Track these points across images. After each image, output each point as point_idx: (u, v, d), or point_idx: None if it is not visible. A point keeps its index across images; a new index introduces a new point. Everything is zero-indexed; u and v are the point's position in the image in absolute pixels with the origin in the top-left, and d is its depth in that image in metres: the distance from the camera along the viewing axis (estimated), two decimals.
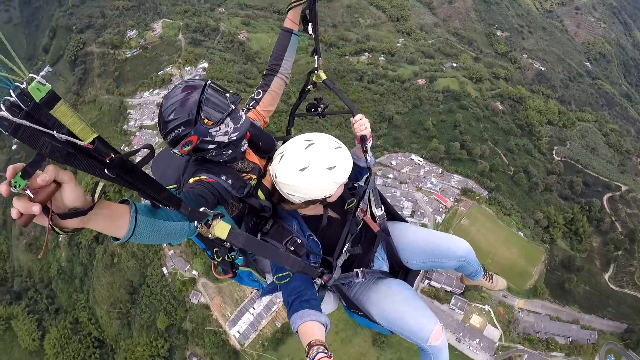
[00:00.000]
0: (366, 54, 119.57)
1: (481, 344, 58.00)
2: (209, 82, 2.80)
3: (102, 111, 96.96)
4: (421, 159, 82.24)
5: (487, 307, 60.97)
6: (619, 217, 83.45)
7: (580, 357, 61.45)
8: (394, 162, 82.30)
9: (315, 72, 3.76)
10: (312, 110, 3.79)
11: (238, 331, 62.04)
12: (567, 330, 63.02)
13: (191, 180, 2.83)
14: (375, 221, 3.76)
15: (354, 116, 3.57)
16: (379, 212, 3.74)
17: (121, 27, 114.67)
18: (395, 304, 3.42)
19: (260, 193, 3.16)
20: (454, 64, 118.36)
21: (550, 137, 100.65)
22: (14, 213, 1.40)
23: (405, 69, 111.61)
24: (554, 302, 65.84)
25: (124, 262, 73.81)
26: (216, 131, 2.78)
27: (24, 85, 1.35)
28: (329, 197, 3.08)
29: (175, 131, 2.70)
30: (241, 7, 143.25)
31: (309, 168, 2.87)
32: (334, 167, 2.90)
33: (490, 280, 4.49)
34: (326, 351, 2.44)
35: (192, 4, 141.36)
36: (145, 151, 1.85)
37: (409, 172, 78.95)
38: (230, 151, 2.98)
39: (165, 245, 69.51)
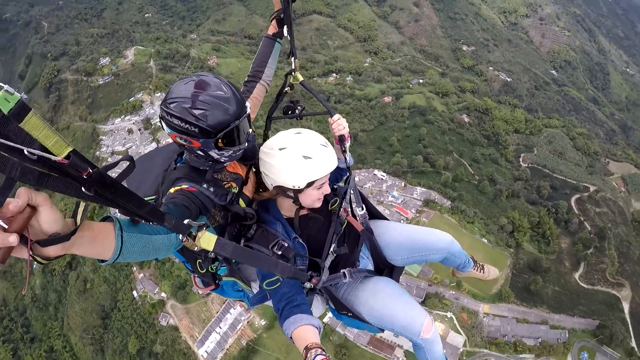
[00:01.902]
0: (334, 74, 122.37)
1: (444, 351, 57.61)
2: (249, 111, 2.80)
3: (75, 138, 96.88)
4: (384, 174, 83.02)
5: (449, 314, 61.02)
6: (588, 216, 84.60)
7: (552, 356, 61.56)
8: (357, 179, 79.73)
9: (293, 73, 3.71)
10: (289, 112, 3.73)
11: (206, 351, 61.86)
12: (536, 332, 63.13)
13: (172, 190, 2.69)
14: (357, 220, 3.81)
15: (331, 116, 3.60)
16: (360, 211, 3.79)
17: (95, 54, 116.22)
18: (384, 301, 3.45)
19: (241, 202, 3.08)
20: (421, 80, 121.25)
21: (517, 144, 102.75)
22: None
23: (372, 88, 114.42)
24: (521, 305, 66.07)
25: (97, 287, 73.69)
26: (216, 151, 2.76)
27: None
28: (299, 191, 3.03)
29: (188, 126, 2.60)
30: (212, 33, 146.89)
31: (287, 149, 2.92)
32: (310, 158, 2.90)
33: (482, 271, 4.52)
34: (324, 353, 2.44)
35: (165, 31, 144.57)
36: (125, 164, 1.76)
37: (371, 188, 79.70)
38: (210, 162, 2.91)
39: (135, 268, 70.30)
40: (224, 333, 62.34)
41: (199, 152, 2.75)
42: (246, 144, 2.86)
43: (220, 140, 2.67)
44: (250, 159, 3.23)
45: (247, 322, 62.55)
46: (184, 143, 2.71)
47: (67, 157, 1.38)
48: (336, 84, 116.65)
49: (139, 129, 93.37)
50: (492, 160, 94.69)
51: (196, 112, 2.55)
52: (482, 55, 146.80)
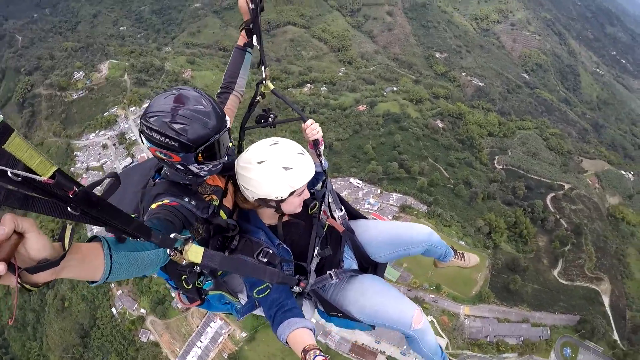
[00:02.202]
0: (309, 85, 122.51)
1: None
2: (229, 125, 2.80)
3: (49, 154, 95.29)
4: (360, 182, 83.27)
5: (429, 318, 61.08)
6: (564, 214, 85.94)
7: (535, 354, 62.20)
8: (333, 186, 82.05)
9: (264, 82, 3.71)
10: (262, 121, 3.71)
11: None
12: (518, 330, 63.87)
13: (154, 206, 2.66)
14: (337, 222, 3.85)
15: (304, 122, 3.61)
16: (340, 212, 3.86)
17: (69, 68, 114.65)
18: (373, 298, 3.49)
19: (222, 214, 3.05)
20: (395, 88, 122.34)
21: (491, 147, 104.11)
22: None
23: (346, 97, 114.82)
24: (502, 305, 66.71)
25: (75, 305, 72.61)
26: (195, 165, 2.74)
27: None
28: (282, 201, 3.05)
29: (168, 140, 2.58)
30: (187, 46, 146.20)
31: (266, 162, 2.90)
32: (290, 168, 2.90)
33: (462, 259, 4.63)
34: (322, 354, 2.44)
35: (140, 44, 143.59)
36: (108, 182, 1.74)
37: (348, 196, 79.86)
38: (190, 177, 2.88)
39: (113, 285, 69.32)
40: (205, 347, 61.87)
41: (178, 166, 2.73)
42: (226, 158, 2.85)
43: (200, 155, 2.66)
44: (228, 170, 3.19)
45: (228, 335, 62.11)
46: (163, 157, 2.69)
47: (52, 176, 1.35)
48: (311, 94, 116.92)
49: (114, 144, 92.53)
50: (467, 164, 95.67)
51: (176, 126, 2.54)
52: (454, 61, 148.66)
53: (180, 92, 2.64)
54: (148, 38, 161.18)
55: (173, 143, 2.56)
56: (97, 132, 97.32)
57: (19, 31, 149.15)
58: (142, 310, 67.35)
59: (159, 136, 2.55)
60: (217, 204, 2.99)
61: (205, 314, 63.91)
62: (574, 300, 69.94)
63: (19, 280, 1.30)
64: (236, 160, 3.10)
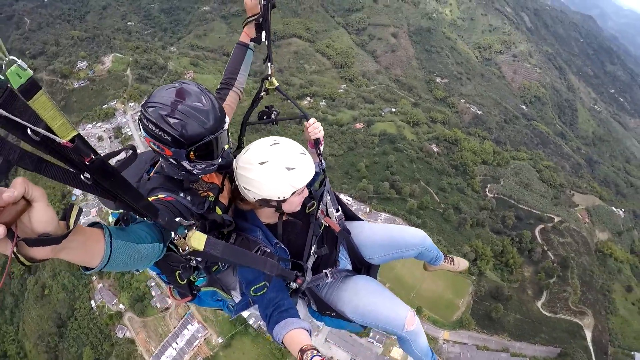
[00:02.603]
0: (308, 98, 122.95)
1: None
2: (226, 127, 2.76)
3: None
4: (350, 199, 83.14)
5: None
6: (551, 246, 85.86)
7: None
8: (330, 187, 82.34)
9: (269, 79, 3.68)
10: (265, 117, 3.70)
11: None
12: (496, 359, 63.35)
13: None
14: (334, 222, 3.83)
15: (307, 120, 3.62)
16: (336, 213, 3.82)
17: (73, 57, 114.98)
18: (367, 299, 3.52)
19: (218, 210, 3.02)
20: (393, 109, 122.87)
21: (484, 175, 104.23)
22: None
23: (344, 114, 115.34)
24: (482, 332, 66.50)
25: (55, 294, 72.00)
26: (188, 162, 2.72)
27: None
28: (284, 201, 3.02)
29: (161, 133, 2.55)
30: (192, 48, 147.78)
31: (268, 163, 2.86)
32: (293, 169, 2.87)
33: (452, 263, 4.63)
34: (320, 354, 2.42)
35: (145, 41, 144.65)
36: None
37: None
38: (184, 173, 2.85)
39: (95, 277, 69.29)
40: (180, 349, 61.50)
41: (171, 160, 2.71)
42: (219, 160, 2.82)
43: (192, 153, 2.64)
44: (225, 167, 3.16)
45: (204, 339, 61.78)
46: (156, 149, 2.68)
47: (72, 141, 1.34)
48: (309, 107, 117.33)
49: (109, 137, 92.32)
50: (458, 190, 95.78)
51: (171, 120, 2.51)
52: (454, 87, 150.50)
53: (182, 86, 2.63)
54: (154, 36, 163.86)
55: (166, 137, 2.55)
56: (94, 123, 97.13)
57: (27, 14, 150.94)
58: (121, 306, 67.14)
59: (154, 127, 2.55)
60: (212, 200, 2.98)
61: (183, 316, 63.77)
62: (556, 333, 69.61)
63: (14, 250, 1.22)
64: (235, 160, 3.07)
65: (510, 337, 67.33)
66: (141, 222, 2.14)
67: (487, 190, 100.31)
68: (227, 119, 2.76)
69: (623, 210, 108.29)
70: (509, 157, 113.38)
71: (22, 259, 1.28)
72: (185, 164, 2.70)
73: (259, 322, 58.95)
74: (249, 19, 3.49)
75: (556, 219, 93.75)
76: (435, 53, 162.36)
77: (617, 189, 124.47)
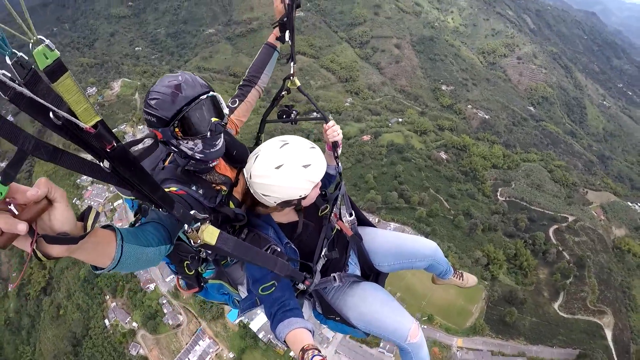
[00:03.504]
0: (315, 114, 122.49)
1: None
2: (211, 94, 2.63)
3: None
4: (362, 212, 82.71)
5: None
6: (566, 246, 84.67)
7: None
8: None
9: (291, 78, 3.76)
10: (284, 116, 3.76)
11: None
12: None
13: None
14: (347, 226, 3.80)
15: (326, 122, 3.61)
16: (349, 217, 3.77)
17: (82, 83, 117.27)
18: (373, 306, 3.44)
19: (230, 204, 3.03)
20: (400, 119, 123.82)
21: (495, 179, 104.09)
22: None
23: (351, 127, 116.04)
24: (497, 337, 65.52)
25: (70, 314, 73.69)
26: (180, 142, 2.67)
27: (21, 54, 1.24)
28: (304, 198, 3.02)
29: (148, 117, 2.60)
30: (199, 70, 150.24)
31: (285, 166, 2.83)
32: (309, 165, 2.85)
33: (461, 278, 4.57)
34: (321, 354, 2.39)
35: (153, 65, 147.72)
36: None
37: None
38: (193, 162, 2.83)
39: (108, 297, 71.46)
40: None
41: (172, 147, 2.72)
42: (208, 133, 2.63)
43: (177, 130, 2.60)
44: (240, 162, 3.17)
45: (216, 354, 62.46)
46: (154, 137, 2.64)
47: (94, 126, 1.34)
48: (316, 122, 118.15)
49: None
50: (469, 196, 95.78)
51: (152, 101, 2.55)
52: (460, 94, 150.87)
53: (168, 74, 2.69)
54: (162, 60, 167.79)
55: (152, 119, 2.58)
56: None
57: None
58: (134, 324, 68.47)
59: (144, 115, 2.62)
60: (225, 194, 2.99)
61: (195, 332, 64.72)
62: (575, 334, 68.20)
63: (34, 247, 1.28)
64: (246, 171, 3.03)
65: (527, 341, 66.13)
66: (149, 223, 2.27)
67: (498, 194, 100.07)
68: (209, 87, 2.65)
69: (639, 204, 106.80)
70: (519, 159, 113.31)
71: (39, 254, 1.32)
72: (183, 147, 2.69)
73: (269, 335, 59.47)
74: (278, 21, 3.58)
75: (570, 219, 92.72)
76: (440, 61, 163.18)
77: (632, 183, 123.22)
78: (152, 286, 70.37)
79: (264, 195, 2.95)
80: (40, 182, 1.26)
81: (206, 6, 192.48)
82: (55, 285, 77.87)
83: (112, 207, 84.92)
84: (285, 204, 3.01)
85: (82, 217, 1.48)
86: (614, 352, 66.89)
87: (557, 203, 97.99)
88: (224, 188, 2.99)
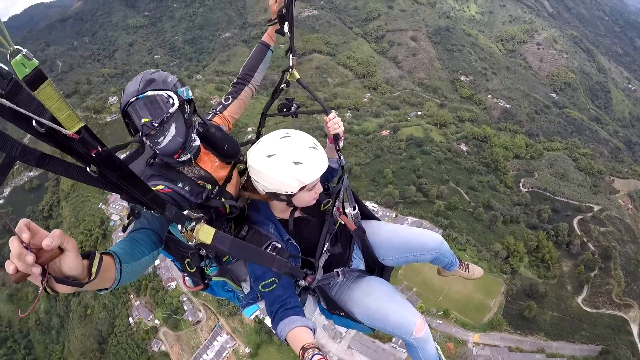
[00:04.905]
0: (333, 111, 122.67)
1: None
2: (145, 95, 2.59)
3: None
4: (375, 205, 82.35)
5: (434, 344, 59.32)
6: (591, 237, 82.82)
7: None
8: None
9: (290, 70, 3.74)
10: (285, 110, 3.76)
11: None
12: None
13: None
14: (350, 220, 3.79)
15: (327, 115, 3.60)
16: (353, 211, 3.73)
17: (104, 93, 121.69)
18: (377, 301, 3.42)
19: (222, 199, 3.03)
20: (419, 113, 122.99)
21: (517, 170, 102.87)
22: (10, 269, 1.29)
23: (370, 122, 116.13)
24: (515, 333, 63.98)
25: (96, 313, 76.66)
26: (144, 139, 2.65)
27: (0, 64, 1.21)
28: (292, 196, 2.99)
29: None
30: (217, 74, 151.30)
31: (275, 156, 2.85)
32: (300, 163, 2.84)
33: (467, 270, 4.54)
34: (321, 353, 2.41)
35: (172, 72, 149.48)
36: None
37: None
38: (167, 157, 2.86)
39: (132, 296, 74.45)
40: None
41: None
42: (141, 134, 2.58)
43: (127, 124, 2.67)
44: (232, 156, 3.20)
45: (233, 349, 63.52)
46: (139, 141, 2.65)
47: (78, 132, 1.37)
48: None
49: None
50: (490, 187, 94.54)
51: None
52: (480, 84, 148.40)
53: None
54: (180, 66, 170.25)
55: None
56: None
57: (59, 57, 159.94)
58: (157, 322, 70.56)
59: None
60: (211, 189, 2.97)
61: (213, 328, 66.23)
62: (598, 330, 66.11)
63: (45, 285, 1.38)
64: (247, 152, 3.07)
65: (547, 336, 64.35)
66: (140, 230, 2.36)
67: (520, 185, 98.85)
68: (145, 91, 2.61)
69: None
70: (542, 148, 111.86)
71: (49, 290, 1.42)
72: (146, 142, 2.68)
73: None
74: (274, 20, 3.61)
75: (596, 208, 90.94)
76: (457, 51, 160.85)
77: None
78: (173, 284, 72.22)
79: (255, 180, 3.00)
80: (55, 234, 1.35)
81: (221, 11, 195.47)
82: None
83: None
84: (273, 195, 3.01)
85: (88, 255, 1.57)
86: (639, 348, 64.92)
87: (582, 192, 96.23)
88: (208, 185, 2.98)
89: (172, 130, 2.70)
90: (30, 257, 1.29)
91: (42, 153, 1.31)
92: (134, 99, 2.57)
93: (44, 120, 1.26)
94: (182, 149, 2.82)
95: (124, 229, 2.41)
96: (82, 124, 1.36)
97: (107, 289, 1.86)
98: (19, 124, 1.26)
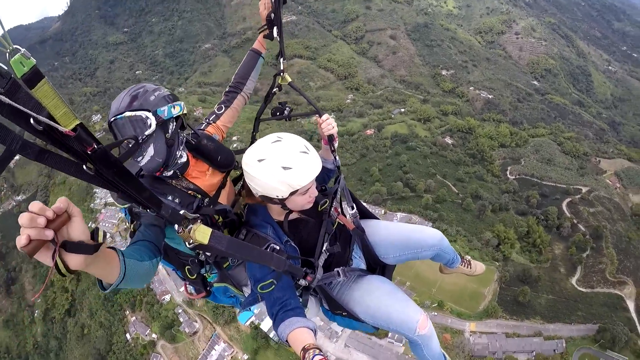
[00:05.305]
0: (317, 115, 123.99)
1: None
2: (114, 119, 2.53)
3: (71, 191, 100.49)
4: (363, 204, 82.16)
5: None
6: (581, 218, 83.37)
7: None
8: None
9: (281, 74, 3.73)
10: (278, 114, 3.75)
11: None
12: (529, 345, 60.50)
13: None
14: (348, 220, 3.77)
15: (320, 116, 3.59)
16: (351, 210, 3.72)
17: (87, 112, 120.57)
18: (379, 300, 3.39)
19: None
20: (402, 110, 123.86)
21: (503, 158, 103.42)
22: (22, 240, 1.30)
23: (354, 122, 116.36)
24: (511, 319, 64.15)
25: (93, 332, 76.41)
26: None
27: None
28: (284, 199, 2.97)
29: None
30: (199, 85, 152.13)
31: (265, 161, 2.84)
32: (290, 168, 2.81)
33: (469, 266, 4.52)
34: (322, 353, 2.40)
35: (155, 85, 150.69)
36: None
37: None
38: (169, 173, 2.89)
39: (127, 311, 73.81)
40: None
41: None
42: (127, 148, 2.46)
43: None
44: (226, 166, 3.21)
45: (231, 357, 63.58)
46: (133, 138, 2.59)
47: (74, 130, 1.39)
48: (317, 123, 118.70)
49: None
50: (477, 178, 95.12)
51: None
52: (461, 77, 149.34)
53: None
54: (162, 80, 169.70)
55: None
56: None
57: None
58: (154, 335, 70.37)
59: None
60: (201, 198, 2.98)
61: (210, 338, 66.09)
62: (594, 309, 66.22)
63: (56, 256, 1.39)
64: (244, 155, 3.05)
65: (543, 319, 64.38)
66: (138, 242, 2.39)
67: (507, 172, 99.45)
68: (117, 114, 2.54)
69: None
70: (527, 135, 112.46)
71: (60, 265, 1.41)
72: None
73: None
74: (263, 27, 3.63)
75: (584, 190, 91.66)
76: (437, 46, 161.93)
77: None
78: (167, 297, 72.21)
79: (249, 183, 2.99)
80: (61, 200, 1.39)
81: (200, 22, 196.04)
82: (78, 307, 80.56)
83: (125, 226, 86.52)
84: (266, 199, 3.01)
85: (92, 236, 1.56)
86: (637, 323, 64.88)
87: (569, 175, 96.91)
88: (198, 195, 2.97)
89: (150, 151, 2.65)
90: (42, 219, 1.31)
91: (41, 148, 1.33)
92: (113, 118, 2.55)
93: (41, 118, 1.28)
94: (164, 167, 2.78)
95: (132, 234, 2.53)
96: (78, 122, 1.38)
97: (112, 285, 1.87)
98: (17, 122, 1.27)
